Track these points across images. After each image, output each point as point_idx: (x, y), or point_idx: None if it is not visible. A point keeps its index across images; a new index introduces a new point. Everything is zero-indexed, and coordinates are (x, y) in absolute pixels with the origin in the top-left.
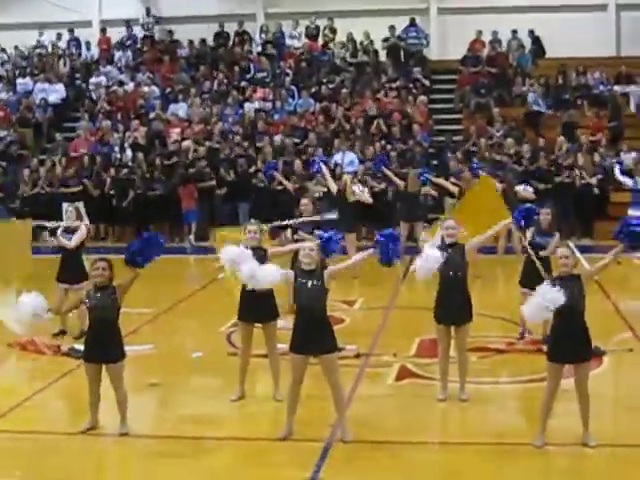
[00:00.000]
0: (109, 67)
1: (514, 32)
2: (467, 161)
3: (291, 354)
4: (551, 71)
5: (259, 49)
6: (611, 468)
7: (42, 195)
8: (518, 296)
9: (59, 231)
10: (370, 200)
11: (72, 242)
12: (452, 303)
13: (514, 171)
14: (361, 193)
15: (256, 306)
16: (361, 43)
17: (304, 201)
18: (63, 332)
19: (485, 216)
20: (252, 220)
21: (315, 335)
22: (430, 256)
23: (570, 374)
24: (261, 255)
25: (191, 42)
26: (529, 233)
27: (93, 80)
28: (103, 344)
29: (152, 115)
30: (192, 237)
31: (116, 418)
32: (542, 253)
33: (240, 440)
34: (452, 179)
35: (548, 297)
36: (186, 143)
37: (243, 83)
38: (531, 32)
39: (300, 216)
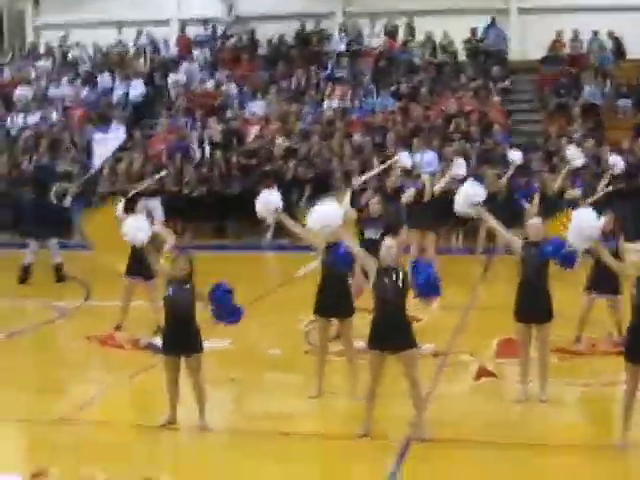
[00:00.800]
0: (188, 65)
1: (595, 32)
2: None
3: (369, 351)
4: (632, 73)
5: (339, 47)
6: None
7: (120, 192)
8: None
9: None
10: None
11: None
12: (533, 301)
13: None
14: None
15: (333, 301)
16: (440, 43)
17: (374, 201)
18: (119, 327)
19: None
20: None
21: (394, 332)
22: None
23: None
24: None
25: (270, 40)
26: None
27: (172, 78)
28: (181, 337)
29: (230, 113)
30: (269, 235)
31: (195, 413)
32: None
33: (319, 437)
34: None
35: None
36: (279, 141)
37: (322, 81)
38: (610, 34)
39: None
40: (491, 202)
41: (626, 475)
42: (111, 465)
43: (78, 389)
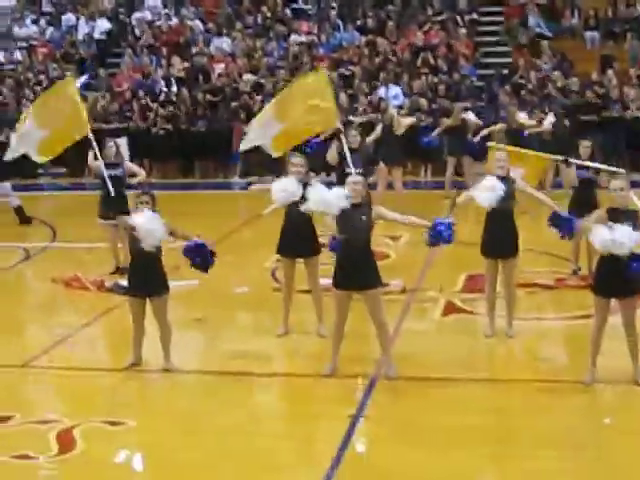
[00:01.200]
0: (152, 2)
1: None
2: (515, 94)
3: (334, 290)
4: (600, 4)
5: None
6: None
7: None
8: None
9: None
10: (414, 119)
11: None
12: (499, 236)
13: (561, 104)
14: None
15: (297, 241)
16: None
17: (352, 132)
18: (118, 268)
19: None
20: (296, 153)
21: (358, 270)
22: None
23: (618, 310)
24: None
25: None
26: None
27: (137, 15)
28: (146, 278)
29: (195, 50)
30: (237, 175)
31: (160, 354)
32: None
33: (285, 376)
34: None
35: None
36: (247, 76)
37: (288, 16)
38: None
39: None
40: (457, 135)
41: (593, 410)
42: (76, 408)
43: (44, 332)
